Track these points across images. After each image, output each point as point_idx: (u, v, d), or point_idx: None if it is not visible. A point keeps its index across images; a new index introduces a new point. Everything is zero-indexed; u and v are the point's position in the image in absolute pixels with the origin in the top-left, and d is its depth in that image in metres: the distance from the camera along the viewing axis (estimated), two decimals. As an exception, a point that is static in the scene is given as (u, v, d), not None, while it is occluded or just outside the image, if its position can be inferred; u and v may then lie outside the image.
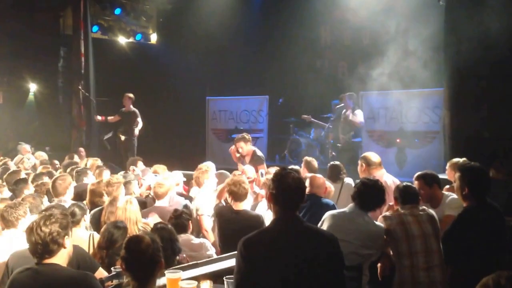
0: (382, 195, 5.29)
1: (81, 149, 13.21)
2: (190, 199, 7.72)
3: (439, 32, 10.55)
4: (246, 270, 3.49)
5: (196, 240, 5.89)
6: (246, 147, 9.37)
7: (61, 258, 3.89)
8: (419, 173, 6.18)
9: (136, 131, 13.64)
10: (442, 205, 5.87)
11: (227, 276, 4.05)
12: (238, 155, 9.45)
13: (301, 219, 3.65)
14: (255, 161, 9.20)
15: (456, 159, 6.98)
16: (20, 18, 14.17)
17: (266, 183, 6.80)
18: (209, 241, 6.24)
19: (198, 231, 6.99)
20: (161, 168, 9.11)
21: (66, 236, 3.90)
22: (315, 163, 8.59)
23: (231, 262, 4.42)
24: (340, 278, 3.57)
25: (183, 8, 16.37)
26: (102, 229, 5.37)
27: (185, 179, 8.94)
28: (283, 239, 3.51)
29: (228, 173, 8.19)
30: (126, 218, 5.64)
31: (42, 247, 3.81)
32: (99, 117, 14.19)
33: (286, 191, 3.58)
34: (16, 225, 5.28)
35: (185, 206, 7.16)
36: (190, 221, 6.01)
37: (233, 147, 9.61)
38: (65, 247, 3.90)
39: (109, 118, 14.04)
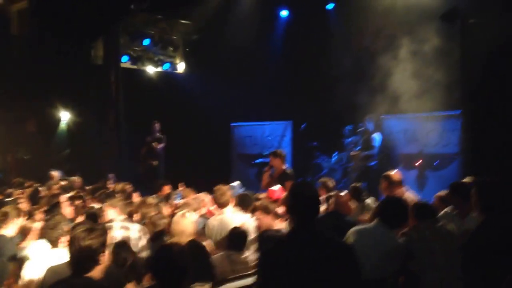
0: (405, 212, 5.36)
1: (111, 175, 13.53)
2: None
3: (457, 56, 10.77)
4: (266, 280, 3.62)
5: None
6: (275, 161, 9.58)
7: (96, 271, 4.00)
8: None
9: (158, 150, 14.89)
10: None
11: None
12: (268, 174, 9.68)
13: (318, 228, 3.69)
14: (284, 176, 9.28)
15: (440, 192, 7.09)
16: (52, 49, 14.62)
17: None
18: None
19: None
20: (187, 191, 9.45)
21: (102, 253, 4.02)
22: (330, 182, 8.75)
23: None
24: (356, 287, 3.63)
25: (208, 38, 16.76)
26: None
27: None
28: (299, 249, 3.56)
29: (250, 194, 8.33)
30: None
31: (78, 260, 3.95)
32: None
33: (302, 202, 3.69)
34: (57, 244, 5.36)
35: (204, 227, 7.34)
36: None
37: (266, 170, 9.82)
38: (99, 264, 4.01)
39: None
